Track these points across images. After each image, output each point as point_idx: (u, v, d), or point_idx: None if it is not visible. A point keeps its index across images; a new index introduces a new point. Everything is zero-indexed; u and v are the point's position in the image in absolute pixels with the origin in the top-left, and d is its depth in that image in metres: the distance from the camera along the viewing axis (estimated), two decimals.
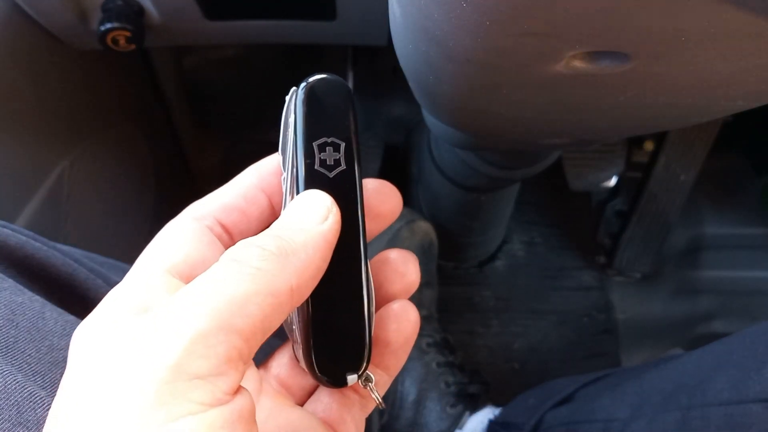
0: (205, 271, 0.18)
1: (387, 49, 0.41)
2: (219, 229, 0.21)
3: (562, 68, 0.20)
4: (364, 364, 0.19)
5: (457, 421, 0.59)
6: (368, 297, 0.20)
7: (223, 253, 0.19)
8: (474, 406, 0.60)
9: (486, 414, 0.59)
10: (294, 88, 0.21)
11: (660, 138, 0.73)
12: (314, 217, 0.18)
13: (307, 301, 0.19)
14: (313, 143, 0.20)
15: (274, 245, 0.17)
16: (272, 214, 0.22)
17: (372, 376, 0.20)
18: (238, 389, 0.15)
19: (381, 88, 0.82)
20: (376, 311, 0.21)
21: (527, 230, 0.84)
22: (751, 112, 0.26)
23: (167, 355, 0.14)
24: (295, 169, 0.20)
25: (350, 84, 0.79)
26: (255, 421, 0.16)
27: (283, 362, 0.21)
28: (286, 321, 0.20)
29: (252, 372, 0.21)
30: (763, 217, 0.82)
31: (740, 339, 0.39)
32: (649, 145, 0.77)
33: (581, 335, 0.78)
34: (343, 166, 0.20)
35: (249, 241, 0.17)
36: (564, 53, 0.19)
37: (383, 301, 0.21)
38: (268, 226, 0.20)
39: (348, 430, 0.21)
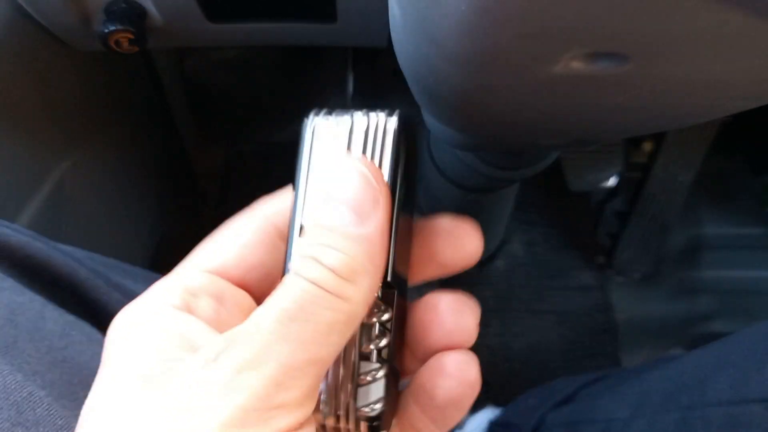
0: (256, 275, 0.17)
1: (387, 50, 0.41)
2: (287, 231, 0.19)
3: (560, 69, 0.20)
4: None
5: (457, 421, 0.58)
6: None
7: (281, 256, 0.18)
8: (474, 406, 0.60)
9: (486, 414, 0.59)
10: (367, 115, 0.17)
11: (659, 138, 0.73)
12: (366, 208, 0.16)
13: None
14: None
15: (345, 269, 0.15)
16: None
17: None
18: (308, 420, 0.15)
19: (381, 90, 0.82)
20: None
21: (527, 230, 0.84)
22: (751, 112, 0.26)
23: (258, 384, 0.14)
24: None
25: (350, 85, 0.79)
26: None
27: None
28: None
29: None
30: (762, 217, 0.82)
31: (740, 339, 0.39)
32: (648, 146, 0.77)
33: (581, 335, 0.78)
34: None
35: (316, 262, 0.15)
36: (562, 54, 0.19)
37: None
38: None
39: None
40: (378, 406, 0.17)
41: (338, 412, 0.17)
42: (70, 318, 0.25)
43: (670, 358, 0.44)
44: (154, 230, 0.69)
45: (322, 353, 0.15)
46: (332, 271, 0.15)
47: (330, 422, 0.17)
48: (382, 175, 0.17)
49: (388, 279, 0.17)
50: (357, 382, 0.17)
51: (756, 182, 0.83)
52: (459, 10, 0.17)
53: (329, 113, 0.18)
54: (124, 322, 0.16)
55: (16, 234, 0.26)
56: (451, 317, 0.18)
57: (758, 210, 0.82)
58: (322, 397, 0.17)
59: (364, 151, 0.17)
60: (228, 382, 0.14)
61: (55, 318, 0.24)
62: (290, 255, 0.17)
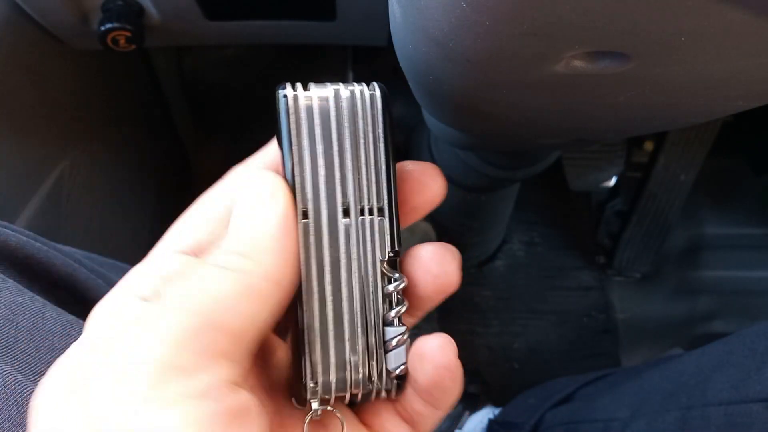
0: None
1: (387, 49, 0.40)
2: None
3: (562, 68, 0.20)
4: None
5: (457, 420, 0.59)
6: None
7: None
8: (474, 406, 0.60)
9: (486, 414, 0.59)
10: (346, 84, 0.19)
11: (660, 138, 0.73)
12: (265, 206, 0.17)
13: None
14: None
15: (231, 246, 0.17)
16: None
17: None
18: (233, 390, 0.15)
19: None
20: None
21: (527, 230, 0.84)
22: (751, 112, 0.26)
23: (159, 349, 0.14)
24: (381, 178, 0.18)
25: None
26: (256, 421, 0.15)
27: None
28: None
29: None
30: (762, 217, 0.82)
31: (740, 339, 0.39)
32: (649, 145, 0.77)
33: (581, 335, 0.78)
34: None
35: (220, 251, 0.17)
36: (564, 53, 0.19)
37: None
38: None
39: None
40: (404, 366, 0.19)
41: (372, 378, 0.19)
42: (70, 318, 0.25)
43: (670, 357, 0.44)
44: (153, 230, 0.69)
45: (224, 320, 0.15)
46: (222, 251, 0.17)
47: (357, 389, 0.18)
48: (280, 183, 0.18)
49: (396, 248, 0.19)
50: (386, 348, 0.19)
51: (757, 182, 0.83)
52: (460, 9, 0.17)
53: (305, 86, 0.19)
54: (97, 314, 0.16)
55: (16, 234, 0.26)
56: (435, 264, 0.19)
57: (759, 210, 0.82)
58: (350, 364, 0.18)
59: (356, 121, 0.18)
60: (140, 349, 0.15)
61: (55, 318, 0.24)
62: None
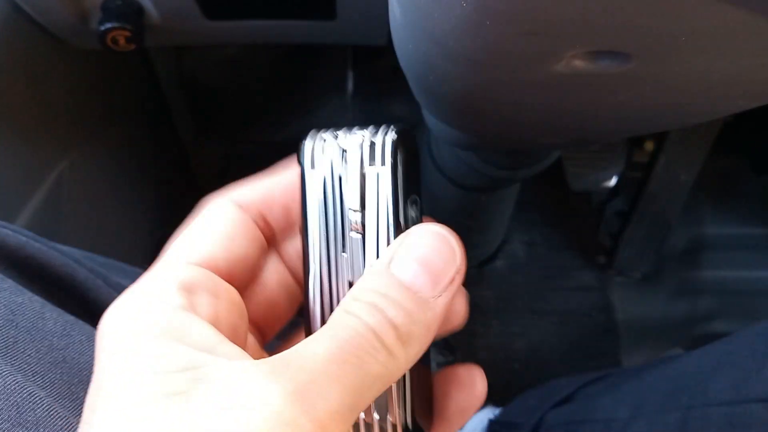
0: (240, 267, 0.17)
1: (387, 48, 0.40)
2: (262, 224, 0.19)
3: (562, 68, 0.20)
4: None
5: None
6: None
7: (260, 248, 0.18)
8: None
9: (486, 414, 0.59)
10: (363, 132, 0.17)
11: (660, 138, 0.73)
12: (444, 281, 0.16)
13: None
14: (408, 199, 0.17)
15: (405, 329, 0.15)
16: None
17: None
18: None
19: (381, 88, 0.82)
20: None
21: (527, 230, 0.84)
22: (751, 112, 0.26)
23: (303, 426, 0.13)
24: (379, 227, 0.17)
25: (350, 84, 0.79)
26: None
27: None
28: None
29: None
30: (763, 217, 0.82)
31: (740, 339, 0.38)
32: (649, 145, 0.77)
33: (581, 335, 0.78)
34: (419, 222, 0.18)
35: (381, 312, 0.15)
36: (564, 53, 0.19)
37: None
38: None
39: None
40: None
41: None
42: (70, 318, 0.25)
43: (670, 358, 0.44)
44: (153, 230, 0.69)
45: (361, 403, 0.14)
46: (393, 326, 0.15)
47: None
48: (463, 252, 0.16)
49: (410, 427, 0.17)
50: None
51: (757, 182, 0.83)
52: (460, 8, 0.17)
53: (327, 132, 0.18)
54: (120, 318, 0.15)
55: (15, 234, 0.26)
56: (464, 388, 0.19)
57: (760, 210, 0.82)
58: None
59: (365, 166, 0.17)
60: (276, 415, 0.13)
61: (54, 318, 0.24)
62: (314, 273, 0.17)
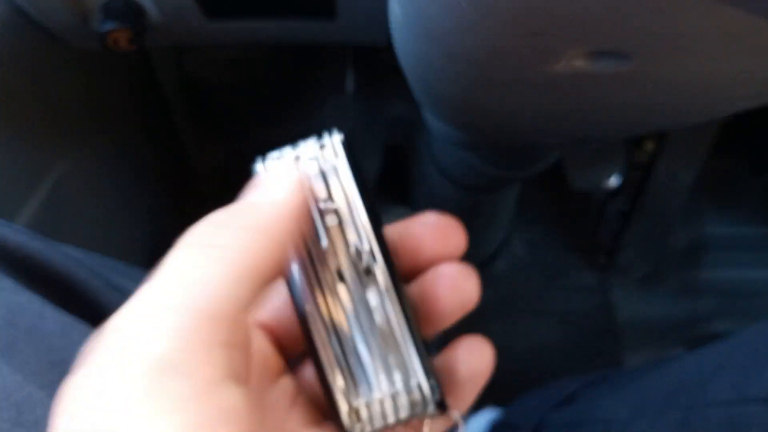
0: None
1: (387, 48, 0.40)
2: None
3: (562, 68, 0.20)
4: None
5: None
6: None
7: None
8: (474, 407, 0.60)
9: (486, 414, 0.59)
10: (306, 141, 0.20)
11: (661, 138, 0.73)
12: (279, 188, 0.18)
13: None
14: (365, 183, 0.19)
15: (233, 221, 0.16)
16: None
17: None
18: (229, 382, 0.15)
19: (381, 88, 0.82)
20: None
21: (528, 230, 0.84)
22: (751, 112, 0.26)
23: (151, 351, 0.14)
24: (367, 238, 0.19)
25: (350, 83, 0.79)
26: (250, 416, 0.15)
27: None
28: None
29: (287, 378, 0.20)
30: (764, 217, 0.82)
31: (741, 339, 0.38)
32: (649, 145, 0.77)
33: (582, 335, 0.78)
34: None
35: (207, 219, 0.17)
36: (564, 53, 0.19)
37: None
38: None
39: None
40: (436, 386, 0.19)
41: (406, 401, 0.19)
42: (70, 318, 0.25)
43: (671, 358, 0.44)
44: (153, 230, 0.69)
45: (212, 309, 0.15)
46: (216, 224, 0.17)
47: None
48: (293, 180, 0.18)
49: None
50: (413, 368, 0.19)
51: (758, 182, 0.83)
52: (460, 8, 0.17)
53: (272, 152, 0.20)
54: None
55: (15, 234, 0.26)
56: (461, 279, 0.20)
57: (760, 210, 0.82)
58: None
59: (322, 176, 0.19)
60: (130, 353, 0.15)
61: (54, 318, 0.24)
62: (296, 271, 0.19)
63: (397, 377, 0.19)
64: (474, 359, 0.20)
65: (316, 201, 0.19)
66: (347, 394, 0.18)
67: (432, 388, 0.19)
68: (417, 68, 0.26)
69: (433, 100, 0.30)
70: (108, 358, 0.15)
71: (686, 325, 0.80)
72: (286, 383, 0.20)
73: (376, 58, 0.80)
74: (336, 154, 0.19)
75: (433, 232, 0.20)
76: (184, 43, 0.49)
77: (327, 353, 0.19)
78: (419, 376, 0.19)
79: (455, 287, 0.20)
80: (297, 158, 0.19)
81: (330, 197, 0.19)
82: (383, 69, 0.81)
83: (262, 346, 0.20)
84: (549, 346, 0.77)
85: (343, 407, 0.18)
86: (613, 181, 0.78)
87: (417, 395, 0.19)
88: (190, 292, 0.15)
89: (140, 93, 0.71)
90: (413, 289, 0.20)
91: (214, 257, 0.15)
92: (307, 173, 0.19)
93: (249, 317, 0.20)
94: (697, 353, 0.41)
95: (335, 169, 0.19)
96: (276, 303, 0.20)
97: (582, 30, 0.17)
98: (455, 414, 0.20)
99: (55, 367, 0.22)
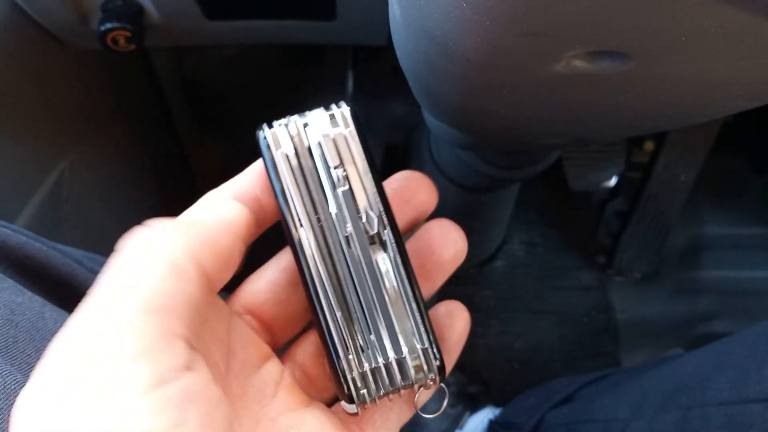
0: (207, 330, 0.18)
1: (387, 48, 0.40)
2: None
3: (562, 68, 0.20)
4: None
5: (458, 421, 0.59)
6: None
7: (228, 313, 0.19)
8: (474, 406, 0.60)
9: (486, 414, 0.59)
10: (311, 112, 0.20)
11: (660, 138, 0.73)
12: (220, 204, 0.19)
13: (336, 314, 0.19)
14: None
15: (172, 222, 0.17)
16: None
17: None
18: (189, 367, 0.15)
19: (381, 88, 0.82)
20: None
21: (527, 230, 0.84)
22: (751, 112, 0.26)
23: (110, 341, 0.15)
24: (375, 192, 0.19)
25: (350, 84, 0.79)
26: (213, 400, 0.16)
27: (308, 352, 0.21)
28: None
29: (272, 363, 0.20)
30: (763, 217, 0.82)
31: (740, 339, 0.39)
32: (649, 145, 0.77)
33: (581, 335, 0.78)
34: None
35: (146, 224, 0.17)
36: (564, 53, 0.19)
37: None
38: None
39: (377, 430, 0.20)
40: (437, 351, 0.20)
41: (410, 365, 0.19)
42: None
43: (670, 358, 0.44)
44: None
45: (158, 302, 0.16)
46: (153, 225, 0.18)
47: None
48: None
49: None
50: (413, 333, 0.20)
51: (758, 182, 0.83)
52: (460, 8, 0.17)
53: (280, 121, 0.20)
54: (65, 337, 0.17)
55: (15, 234, 0.26)
56: (454, 231, 0.22)
57: (760, 210, 0.82)
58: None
59: (336, 146, 0.19)
60: (92, 343, 0.15)
61: (55, 318, 0.24)
62: (306, 238, 0.19)
63: (403, 343, 0.19)
64: (457, 324, 0.21)
65: (327, 167, 0.19)
66: (353, 361, 0.19)
67: (435, 355, 0.19)
68: (416, 68, 0.26)
69: (433, 100, 0.30)
70: (79, 356, 0.15)
71: (685, 325, 0.80)
72: (272, 368, 0.20)
73: (376, 59, 0.80)
74: (346, 124, 0.19)
75: (405, 190, 0.21)
76: (184, 43, 0.49)
77: (333, 319, 0.19)
78: (425, 341, 0.19)
79: (447, 239, 0.21)
80: (305, 125, 0.19)
81: (341, 164, 0.19)
82: (383, 69, 0.81)
83: (245, 334, 0.20)
84: (548, 345, 0.77)
85: (349, 374, 0.19)
86: (611, 180, 0.78)
87: (421, 361, 0.19)
88: (137, 292, 0.16)
89: (140, 93, 0.71)
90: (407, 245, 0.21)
91: (154, 258, 0.16)
92: (315, 140, 0.19)
93: (228, 307, 0.20)
94: (696, 353, 0.41)
95: (345, 138, 0.19)
96: (262, 286, 0.21)
97: (582, 30, 0.17)
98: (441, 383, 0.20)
99: None
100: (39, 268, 0.26)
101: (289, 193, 0.19)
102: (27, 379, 0.21)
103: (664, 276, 0.82)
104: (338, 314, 0.19)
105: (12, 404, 0.20)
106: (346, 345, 0.19)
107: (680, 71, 0.20)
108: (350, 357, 0.19)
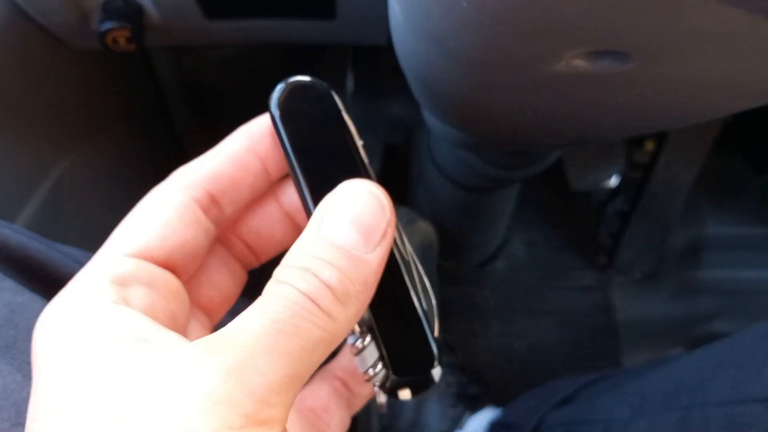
0: (180, 254, 0.17)
1: (387, 48, 0.40)
2: (207, 202, 0.19)
3: (562, 68, 0.20)
4: (436, 361, 0.19)
5: (458, 421, 0.59)
6: (422, 292, 0.19)
7: (203, 233, 0.18)
8: (474, 407, 0.60)
9: (486, 414, 0.59)
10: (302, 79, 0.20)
11: (660, 138, 0.73)
12: (376, 235, 0.16)
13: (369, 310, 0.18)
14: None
15: (341, 289, 0.15)
16: (266, 180, 0.20)
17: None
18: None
19: (381, 88, 0.82)
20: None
21: (527, 230, 0.84)
22: (751, 112, 0.26)
23: (241, 402, 0.13)
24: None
25: (350, 84, 0.79)
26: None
27: (344, 365, 0.20)
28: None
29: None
30: (763, 217, 0.82)
31: (741, 339, 0.39)
32: (649, 145, 0.77)
33: (581, 335, 0.78)
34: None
35: (314, 276, 0.15)
36: (564, 53, 0.19)
37: None
38: (260, 195, 0.19)
39: (331, 419, 0.19)
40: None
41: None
42: None
43: (670, 358, 0.44)
44: None
45: (303, 371, 0.14)
46: (329, 288, 0.15)
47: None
48: (391, 204, 0.17)
49: None
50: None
51: (758, 182, 0.83)
52: (460, 8, 0.17)
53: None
54: (53, 321, 0.15)
55: (15, 234, 0.26)
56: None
57: (760, 210, 0.82)
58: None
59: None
60: (210, 394, 0.13)
61: None
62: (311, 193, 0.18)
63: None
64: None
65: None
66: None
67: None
68: (416, 68, 0.26)
69: (433, 100, 0.30)
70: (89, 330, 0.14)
71: (685, 325, 0.80)
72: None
73: (376, 59, 0.80)
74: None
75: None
76: (184, 43, 0.49)
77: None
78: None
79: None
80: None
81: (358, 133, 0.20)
82: (383, 69, 0.81)
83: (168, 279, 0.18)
84: (548, 345, 0.77)
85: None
86: (611, 180, 0.78)
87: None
88: (292, 354, 0.14)
89: (140, 93, 0.71)
90: None
91: (320, 327, 0.15)
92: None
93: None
94: (696, 353, 0.41)
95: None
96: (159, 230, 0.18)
97: (582, 30, 0.17)
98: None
99: None
100: (39, 268, 0.26)
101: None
102: (27, 379, 0.21)
103: (665, 276, 0.82)
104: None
105: (12, 404, 0.20)
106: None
107: (680, 71, 0.20)
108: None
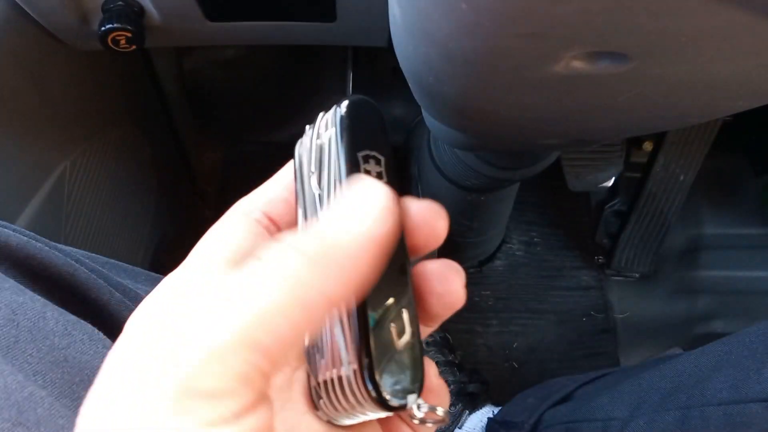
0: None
1: (387, 49, 0.41)
2: (266, 222, 0.19)
3: (561, 69, 0.20)
4: (420, 385, 0.17)
5: (457, 420, 0.59)
6: (416, 314, 0.18)
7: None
8: (473, 405, 0.60)
9: (485, 413, 0.59)
10: (323, 113, 0.19)
11: (659, 138, 0.73)
12: (369, 215, 0.15)
13: (360, 312, 0.17)
14: (358, 153, 0.18)
15: (314, 249, 0.14)
16: None
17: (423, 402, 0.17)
18: (257, 405, 0.14)
19: (381, 89, 0.82)
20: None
21: (526, 230, 0.84)
22: (751, 112, 0.26)
23: (181, 370, 0.13)
24: (332, 182, 0.18)
25: (350, 85, 0.79)
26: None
27: None
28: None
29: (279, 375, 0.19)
30: (762, 217, 0.82)
31: (739, 339, 0.39)
32: (648, 145, 0.77)
33: (580, 335, 0.78)
34: (385, 179, 0.18)
35: (288, 241, 0.15)
36: (563, 54, 0.19)
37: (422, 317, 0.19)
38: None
39: None
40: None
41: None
42: (71, 318, 0.25)
43: (669, 357, 0.44)
44: (154, 230, 0.69)
45: (262, 339, 0.14)
46: (296, 250, 0.14)
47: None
48: (396, 208, 0.16)
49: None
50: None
51: (756, 182, 0.83)
52: (459, 9, 0.17)
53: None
54: (140, 316, 0.15)
55: (17, 234, 0.26)
56: (439, 284, 0.18)
57: (758, 210, 0.82)
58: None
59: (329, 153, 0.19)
60: (163, 368, 0.13)
61: (56, 318, 0.24)
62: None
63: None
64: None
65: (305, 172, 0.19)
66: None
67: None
68: (416, 69, 0.26)
69: (433, 101, 0.30)
70: (138, 375, 0.14)
71: (684, 325, 0.80)
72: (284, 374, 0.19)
73: (376, 60, 0.80)
74: (332, 124, 0.19)
75: (420, 217, 0.18)
76: (185, 44, 0.49)
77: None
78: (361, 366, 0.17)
79: (436, 291, 0.18)
80: (318, 136, 0.19)
81: (319, 168, 0.19)
82: (383, 70, 0.81)
83: None
84: (547, 344, 0.77)
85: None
86: (611, 180, 0.78)
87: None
88: (244, 316, 0.14)
89: (140, 93, 0.71)
90: None
91: (282, 286, 0.14)
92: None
93: None
94: (695, 353, 0.41)
95: (329, 140, 0.19)
96: None
97: (581, 31, 0.17)
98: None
99: (56, 367, 0.23)
100: (40, 268, 0.26)
101: (298, 195, 0.19)
102: (27, 379, 0.21)
103: (663, 276, 0.82)
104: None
105: (12, 404, 0.20)
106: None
107: (679, 72, 0.20)
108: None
